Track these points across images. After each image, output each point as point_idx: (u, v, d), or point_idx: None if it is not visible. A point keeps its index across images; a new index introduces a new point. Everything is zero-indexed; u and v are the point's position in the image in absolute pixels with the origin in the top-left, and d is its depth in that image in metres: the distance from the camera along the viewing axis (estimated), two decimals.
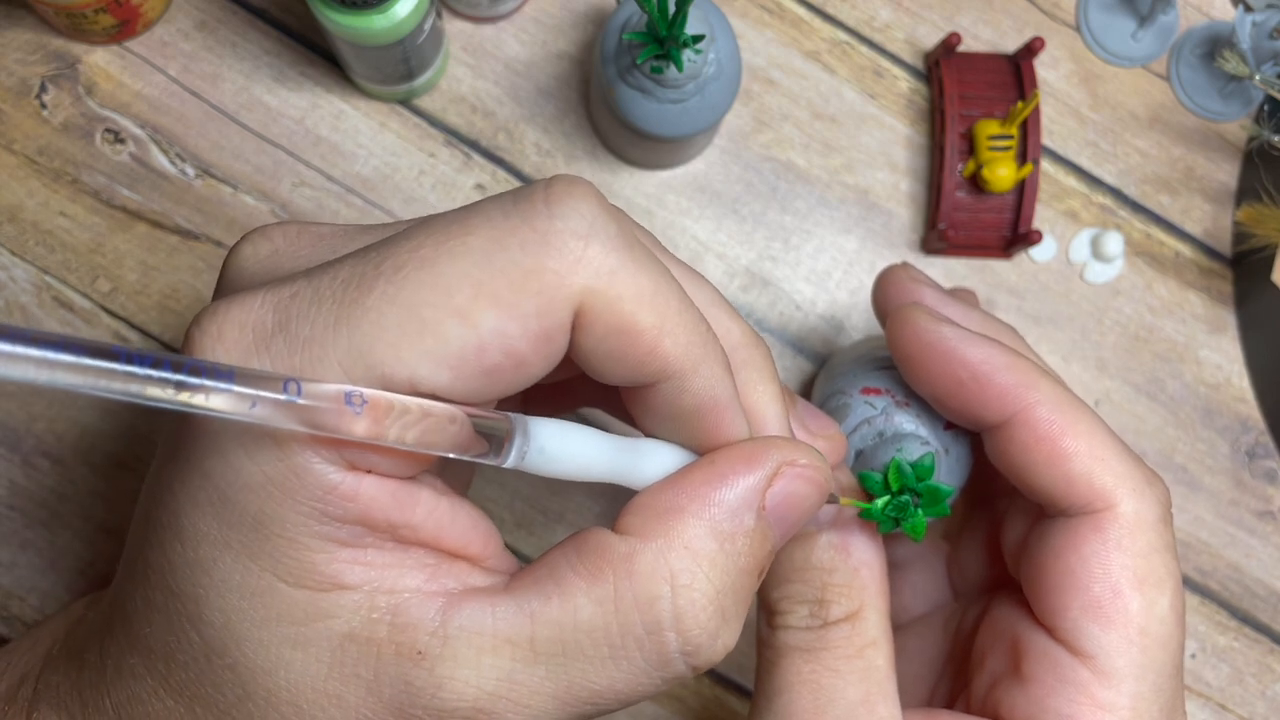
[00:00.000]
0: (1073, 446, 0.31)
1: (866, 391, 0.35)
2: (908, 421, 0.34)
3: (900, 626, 0.40)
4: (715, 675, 0.47)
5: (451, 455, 0.24)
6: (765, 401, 0.29)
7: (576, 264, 0.24)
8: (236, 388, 0.21)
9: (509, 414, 0.25)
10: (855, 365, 0.37)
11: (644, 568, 0.25)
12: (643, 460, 0.27)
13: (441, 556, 0.25)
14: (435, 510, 0.25)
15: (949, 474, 0.34)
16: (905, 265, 0.38)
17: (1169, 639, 0.31)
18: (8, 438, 0.46)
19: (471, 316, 0.23)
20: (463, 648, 0.24)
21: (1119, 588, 0.30)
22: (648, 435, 0.28)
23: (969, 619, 0.37)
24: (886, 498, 0.31)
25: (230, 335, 0.23)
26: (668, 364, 0.25)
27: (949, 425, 0.34)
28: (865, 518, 0.32)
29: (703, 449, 0.27)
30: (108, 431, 0.46)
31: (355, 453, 0.23)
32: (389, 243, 0.24)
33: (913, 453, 0.32)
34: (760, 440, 0.27)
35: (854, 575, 0.31)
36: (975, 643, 0.35)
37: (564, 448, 0.26)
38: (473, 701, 0.24)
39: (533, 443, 0.25)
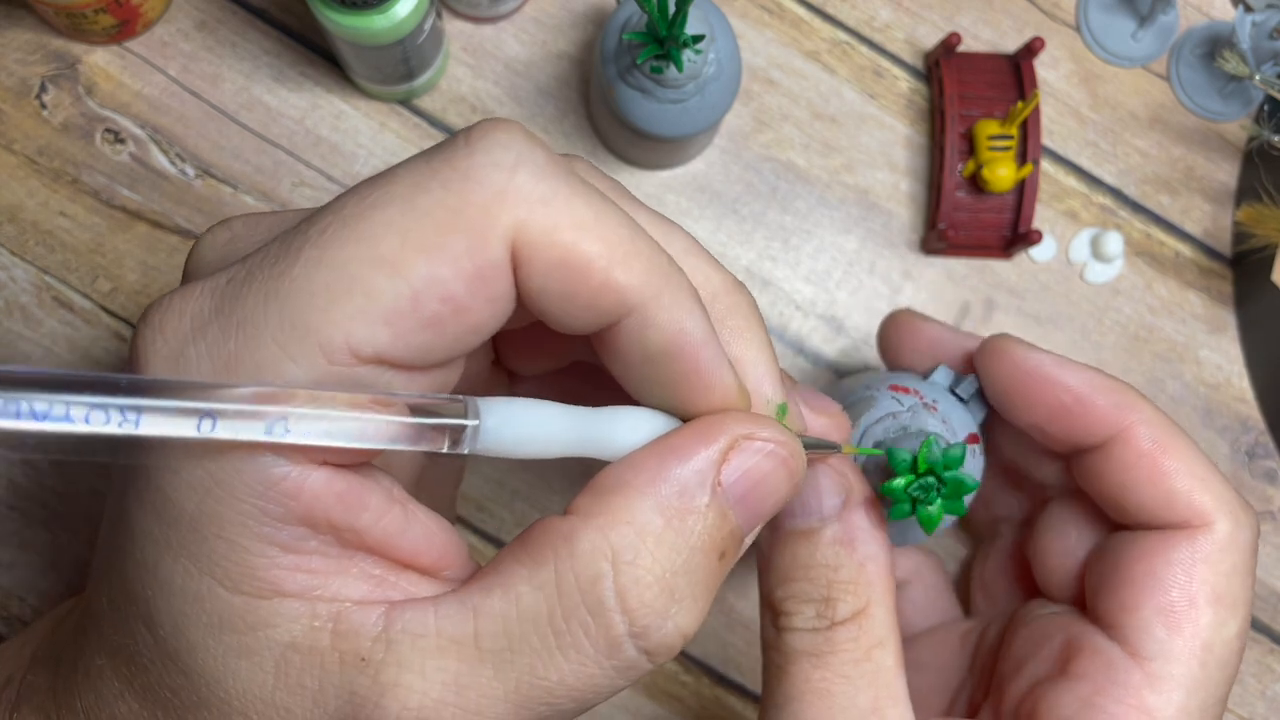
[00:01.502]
0: (1174, 465, 0.32)
1: (895, 389, 0.35)
2: (934, 422, 0.34)
3: (911, 639, 0.40)
4: (715, 675, 0.47)
5: (395, 448, 0.23)
6: (753, 350, 0.27)
7: (503, 195, 0.23)
8: (151, 422, 0.21)
9: (457, 396, 0.24)
10: (878, 375, 0.37)
11: (585, 547, 0.24)
12: (614, 427, 0.25)
13: (389, 567, 0.24)
14: (384, 516, 0.24)
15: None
16: (908, 310, 0.39)
17: (1227, 663, 0.31)
18: None
19: (399, 266, 0.22)
20: (406, 651, 0.23)
21: (1195, 599, 0.31)
22: (630, 393, 0.27)
23: (993, 632, 0.37)
24: (911, 477, 0.31)
25: (170, 325, 0.23)
26: (624, 296, 0.24)
27: (970, 439, 0.34)
28: (884, 493, 0.31)
29: (686, 399, 0.26)
30: None
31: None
32: (317, 210, 0.24)
33: (941, 444, 0.32)
34: (717, 415, 0.26)
35: (860, 571, 0.31)
36: (1010, 650, 0.35)
37: (523, 424, 0.24)
38: (417, 711, 0.23)
39: (486, 421, 0.24)
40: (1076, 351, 0.49)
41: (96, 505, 0.46)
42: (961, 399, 0.36)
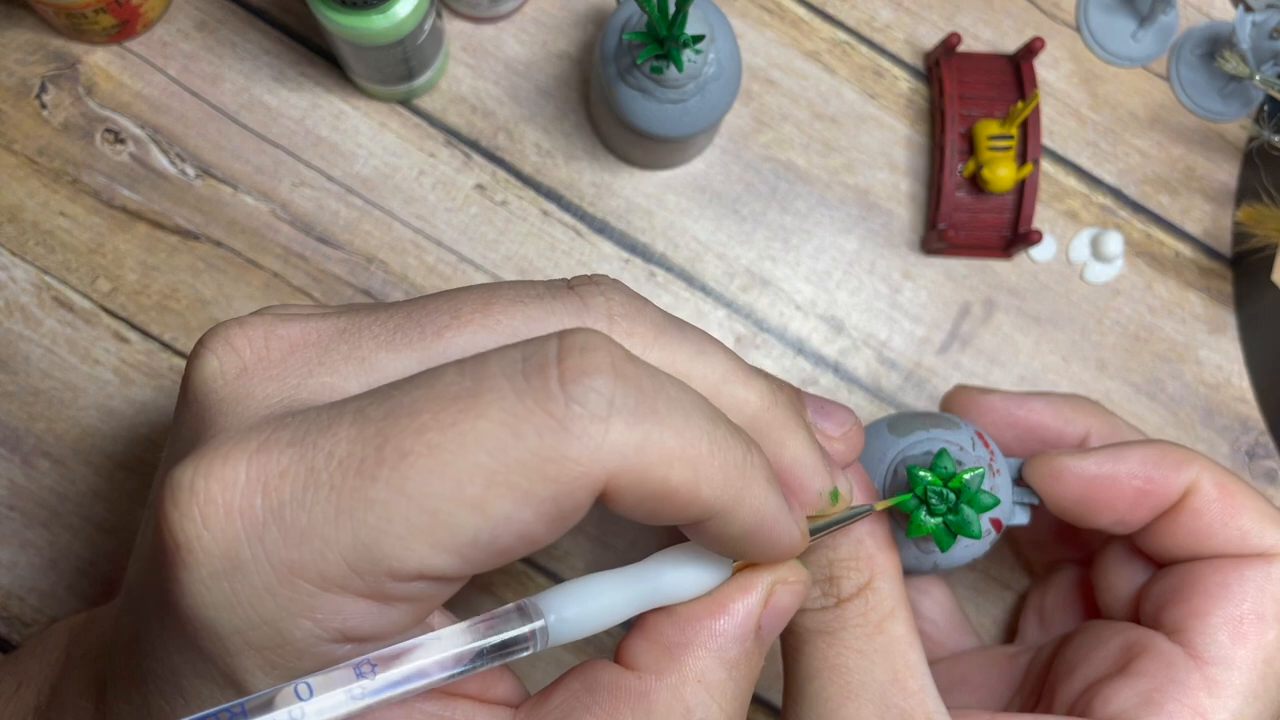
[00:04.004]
0: (1241, 504, 0.33)
1: (980, 435, 0.35)
2: (991, 481, 0.34)
3: (955, 659, 0.41)
4: None
5: (474, 671, 0.24)
6: (797, 451, 0.28)
7: (598, 450, 0.22)
8: None
9: (519, 603, 0.25)
10: (960, 425, 0.37)
11: (661, 706, 0.25)
12: (666, 581, 0.27)
13: (443, 702, 0.25)
14: None
15: (984, 546, 0.35)
16: (960, 387, 0.40)
17: None
18: (8, 438, 0.46)
19: (484, 507, 0.22)
20: None
21: (1264, 615, 0.32)
22: (695, 542, 0.28)
23: (1045, 653, 0.38)
24: (940, 481, 0.31)
25: (215, 522, 0.22)
26: (709, 506, 0.24)
27: (994, 523, 0.34)
28: (909, 472, 0.31)
29: (755, 557, 0.27)
30: (108, 432, 0.46)
31: (349, 624, 0.23)
32: (386, 414, 0.22)
33: (981, 482, 0.32)
34: (754, 571, 0.27)
35: (859, 546, 0.31)
36: (1064, 655, 0.35)
37: (584, 608, 0.25)
38: None
39: (549, 618, 0.25)
40: (1077, 351, 0.49)
41: (97, 505, 0.46)
42: (1013, 483, 0.36)
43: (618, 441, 0.22)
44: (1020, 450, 0.38)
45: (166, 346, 0.47)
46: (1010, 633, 0.47)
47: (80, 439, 0.46)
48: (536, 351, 0.23)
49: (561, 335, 0.23)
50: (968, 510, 0.31)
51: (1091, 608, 0.40)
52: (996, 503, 0.31)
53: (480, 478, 0.22)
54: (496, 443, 0.22)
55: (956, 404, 0.39)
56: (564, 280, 0.27)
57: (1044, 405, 0.38)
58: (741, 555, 0.27)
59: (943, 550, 0.31)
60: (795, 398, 0.29)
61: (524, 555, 0.23)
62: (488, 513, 0.22)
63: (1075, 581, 0.41)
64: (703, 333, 0.27)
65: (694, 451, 0.23)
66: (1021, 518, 0.36)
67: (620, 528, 0.47)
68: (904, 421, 0.36)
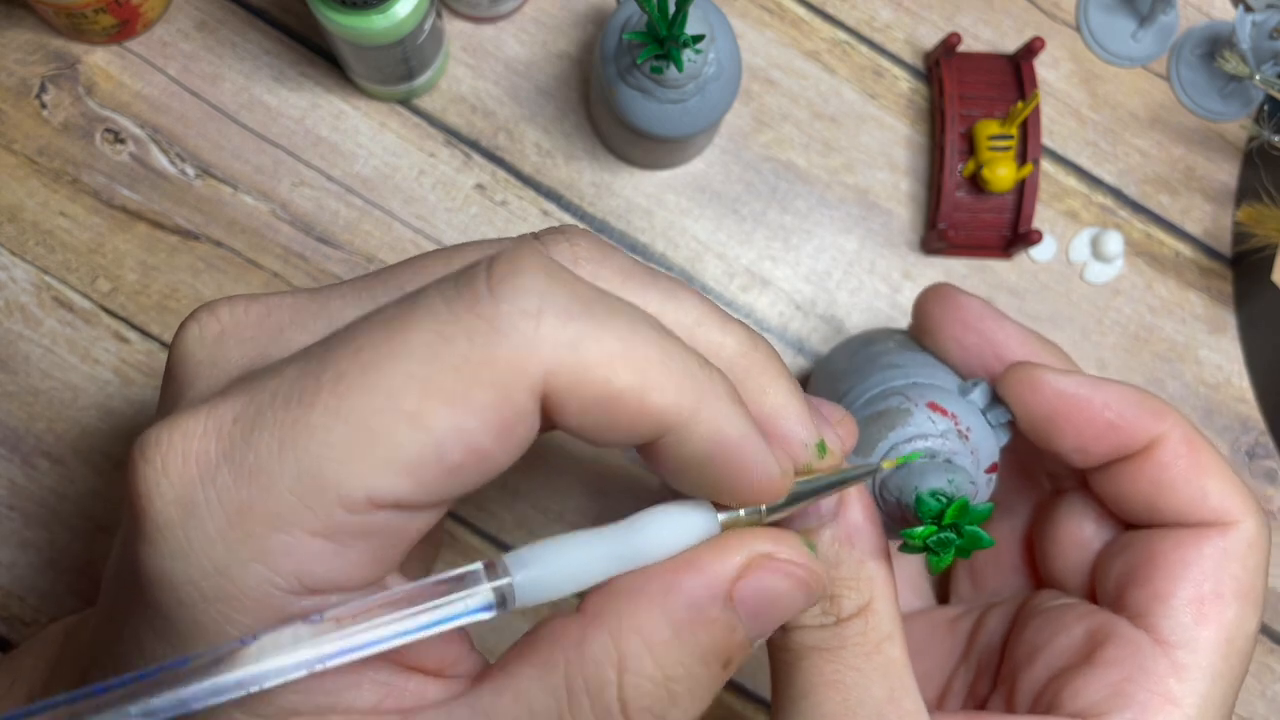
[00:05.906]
0: (1206, 464, 0.32)
1: (933, 407, 0.35)
2: (964, 453, 0.34)
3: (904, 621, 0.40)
4: None
5: (441, 630, 0.23)
6: (779, 399, 0.27)
7: (530, 345, 0.22)
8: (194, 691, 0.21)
9: (487, 561, 0.24)
10: (911, 368, 0.36)
11: (594, 653, 0.24)
12: (645, 540, 0.25)
13: (396, 671, 0.24)
14: None
15: (985, 495, 0.35)
16: (953, 289, 0.38)
17: (1243, 658, 0.31)
18: (8, 438, 0.46)
19: (423, 419, 0.21)
20: None
21: (1223, 593, 0.31)
22: (674, 486, 0.26)
23: (993, 623, 0.37)
24: (933, 528, 0.31)
25: (174, 469, 0.22)
26: (661, 418, 0.23)
27: (991, 468, 0.34)
28: (905, 537, 0.31)
29: (730, 493, 0.26)
30: (107, 431, 0.46)
31: (303, 566, 0.22)
32: (328, 347, 0.22)
33: (961, 487, 0.32)
34: (739, 532, 0.26)
35: (860, 567, 0.31)
36: (1022, 639, 0.35)
37: (557, 568, 0.24)
38: None
39: (517, 577, 0.24)
40: (1076, 351, 0.49)
41: (97, 505, 0.46)
42: (990, 424, 0.35)
43: (550, 336, 0.22)
44: (981, 373, 0.37)
45: (166, 346, 0.47)
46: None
47: (80, 439, 0.46)
48: (470, 268, 0.23)
49: (498, 252, 0.23)
50: (971, 528, 0.31)
51: (1028, 564, 0.39)
52: (991, 509, 0.31)
53: (414, 388, 0.21)
54: (427, 350, 0.21)
55: (930, 316, 0.38)
56: (531, 234, 0.27)
57: (1018, 336, 0.37)
58: (710, 487, 0.25)
59: (934, 572, 0.31)
60: (775, 353, 0.28)
61: (483, 480, 0.23)
62: (428, 425, 0.22)
63: (1005, 540, 0.40)
64: (676, 279, 0.26)
65: (640, 356, 0.23)
66: (1003, 438, 0.36)
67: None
68: (862, 434, 0.35)
